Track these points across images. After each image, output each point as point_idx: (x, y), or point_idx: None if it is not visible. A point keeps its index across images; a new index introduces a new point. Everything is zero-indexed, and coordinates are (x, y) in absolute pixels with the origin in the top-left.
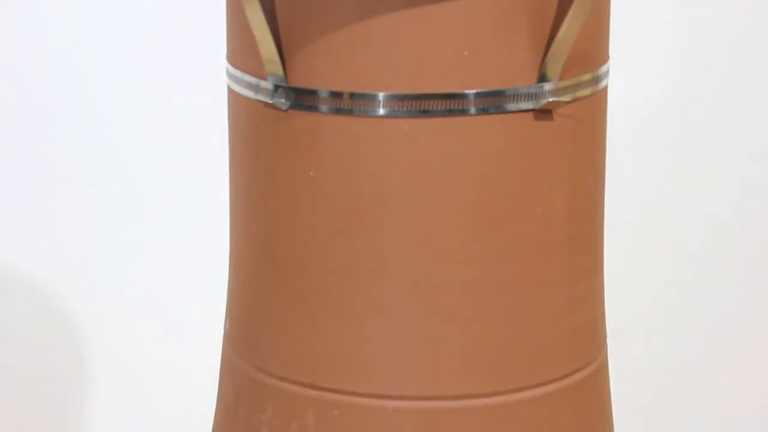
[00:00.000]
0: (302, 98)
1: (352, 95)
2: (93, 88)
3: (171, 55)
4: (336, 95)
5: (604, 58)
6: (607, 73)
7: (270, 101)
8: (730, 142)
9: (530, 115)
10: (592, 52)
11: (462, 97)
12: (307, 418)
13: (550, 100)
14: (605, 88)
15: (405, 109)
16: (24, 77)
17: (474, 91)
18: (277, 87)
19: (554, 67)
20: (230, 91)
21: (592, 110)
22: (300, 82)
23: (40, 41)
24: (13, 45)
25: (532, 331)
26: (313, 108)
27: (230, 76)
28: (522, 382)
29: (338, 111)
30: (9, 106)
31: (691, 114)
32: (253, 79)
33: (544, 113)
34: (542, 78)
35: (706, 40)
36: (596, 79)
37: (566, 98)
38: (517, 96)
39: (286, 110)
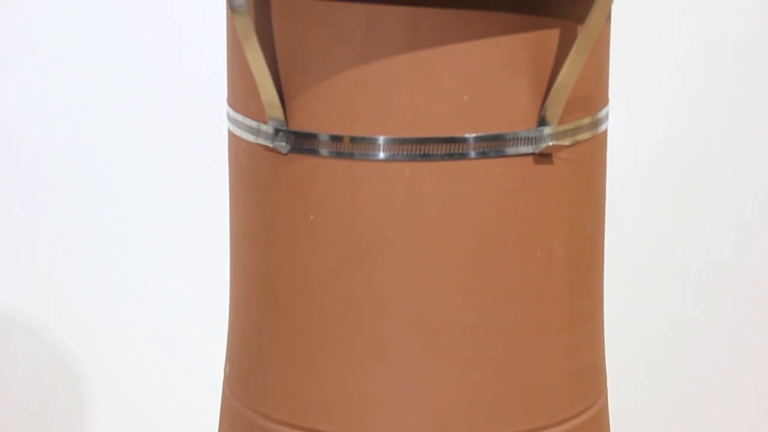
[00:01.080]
0: (302, 142)
1: (352, 139)
2: (90, 139)
3: (172, 97)
4: (336, 139)
5: (604, 102)
6: (606, 117)
7: (271, 145)
8: (731, 185)
9: (530, 158)
10: (592, 96)
11: (462, 140)
12: None
13: (550, 144)
14: (605, 132)
15: (405, 152)
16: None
17: (474, 135)
18: (277, 131)
19: (554, 111)
20: (231, 134)
21: (592, 154)
22: (300, 125)
23: (37, 98)
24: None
25: (531, 375)
26: (314, 151)
27: (231, 119)
28: (521, 426)
29: (338, 155)
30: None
31: (692, 156)
32: (253, 123)
33: (543, 157)
34: (542, 122)
35: (706, 83)
36: (596, 123)
37: (566, 142)
38: (516, 140)
39: (286, 154)
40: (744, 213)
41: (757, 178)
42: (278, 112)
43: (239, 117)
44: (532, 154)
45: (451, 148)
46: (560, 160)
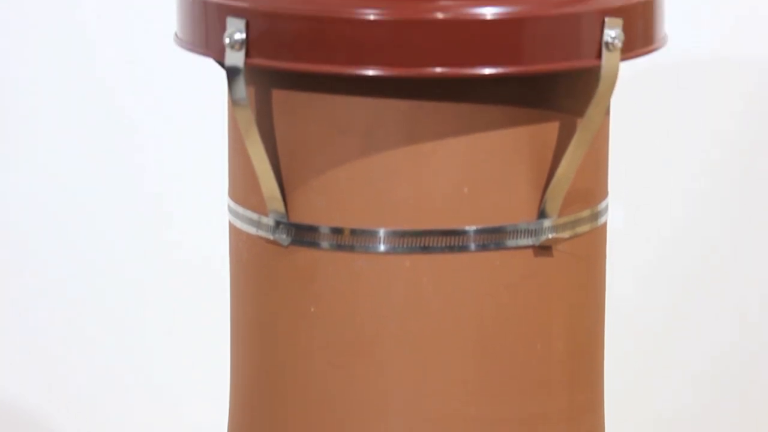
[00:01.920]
0: (303, 234)
1: (352, 231)
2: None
3: (172, 189)
4: (337, 231)
5: (603, 194)
6: (606, 209)
7: (271, 237)
8: (732, 277)
9: (530, 251)
10: (591, 188)
11: (462, 233)
12: None
13: (550, 236)
14: (604, 224)
15: (405, 245)
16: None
17: (474, 227)
18: (278, 223)
19: (553, 204)
20: (231, 226)
21: (592, 246)
22: (301, 218)
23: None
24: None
25: None
26: (314, 244)
27: (231, 211)
28: None
29: (339, 247)
30: None
31: (693, 248)
32: (254, 215)
33: (543, 249)
34: (542, 214)
35: (706, 175)
36: (595, 216)
37: (565, 235)
38: (516, 232)
39: (287, 246)
40: (745, 306)
41: (759, 268)
42: (279, 205)
43: (240, 209)
44: (532, 246)
45: (451, 240)
46: (560, 253)
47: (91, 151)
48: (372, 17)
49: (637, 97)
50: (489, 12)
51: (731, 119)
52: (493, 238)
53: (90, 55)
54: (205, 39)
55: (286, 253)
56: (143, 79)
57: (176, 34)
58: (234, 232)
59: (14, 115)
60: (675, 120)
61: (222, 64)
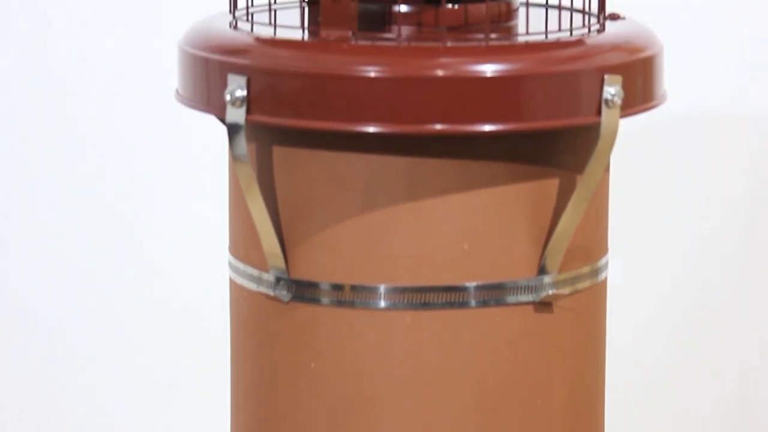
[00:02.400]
0: (304, 291)
1: (353, 288)
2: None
3: (173, 246)
4: (337, 288)
5: (603, 250)
6: (606, 265)
7: (272, 293)
8: (731, 330)
9: (530, 307)
10: (591, 245)
11: (462, 289)
12: None
13: (550, 292)
14: (605, 280)
15: (406, 301)
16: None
17: (474, 283)
18: (278, 279)
19: (553, 260)
20: (232, 282)
21: (592, 302)
22: (301, 274)
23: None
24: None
25: None
26: (315, 300)
27: (232, 267)
28: None
29: (339, 303)
30: None
31: (694, 302)
32: (255, 272)
33: (543, 306)
34: (542, 270)
35: (706, 232)
36: (595, 272)
37: (565, 291)
38: (516, 288)
39: (287, 302)
40: (743, 360)
41: (757, 325)
42: (279, 261)
43: (240, 265)
44: (533, 302)
45: (451, 296)
46: (560, 309)
47: (91, 208)
48: (373, 74)
49: (637, 153)
50: (489, 69)
51: (732, 176)
52: (494, 294)
53: (89, 111)
54: (206, 96)
55: (286, 309)
56: (144, 135)
57: (177, 91)
58: (234, 288)
59: (12, 179)
60: (675, 175)
61: (223, 120)
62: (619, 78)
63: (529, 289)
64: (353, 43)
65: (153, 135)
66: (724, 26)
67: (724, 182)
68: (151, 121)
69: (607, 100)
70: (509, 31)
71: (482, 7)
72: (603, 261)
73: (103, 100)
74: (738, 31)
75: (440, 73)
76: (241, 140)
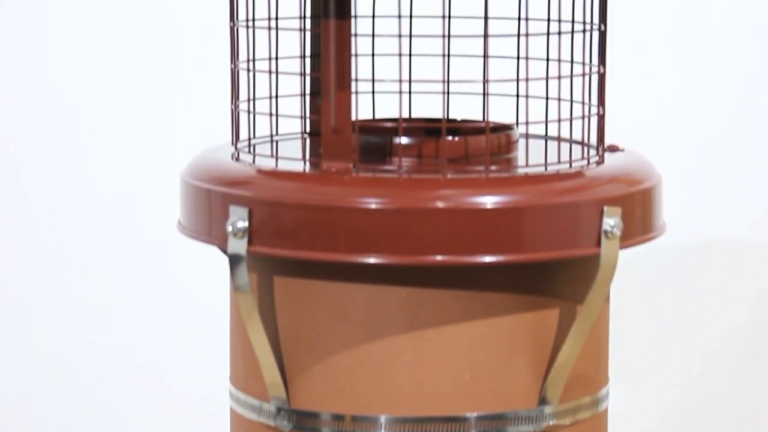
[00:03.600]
0: (304, 421)
1: (354, 418)
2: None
3: (173, 377)
4: (338, 418)
5: (604, 381)
6: (607, 395)
7: (272, 424)
8: None
9: None
10: (592, 374)
11: (463, 420)
12: None
13: (551, 423)
14: (605, 410)
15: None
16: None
17: (475, 414)
18: (279, 409)
19: (554, 391)
20: (233, 412)
21: None
22: (302, 404)
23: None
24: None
25: None
26: (315, 430)
27: (233, 397)
28: None
29: None
30: None
31: (696, 428)
32: (255, 402)
33: None
34: (542, 401)
35: (707, 359)
36: (596, 402)
37: (566, 422)
38: (517, 419)
39: None
40: None
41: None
42: (280, 391)
43: (241, 395)
44: None
45: (452, 427)
46: None
47: (90, 337)
48: (374, 206)
49: (637, 280)
50: (489, 201)
51: (733, 304)
52: (494, 424)
53: (93, 239)
54: (208, 227)
55: None
56: (145, 264)
57: (179, 222)
58: (235, 418)
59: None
60: (675, 303)
61: (225, 251)
62: (618, 210)
63: (529, 419)
64: (354, 174)
65: (155, 264)
66: (725, 159)
67: (726, 310)
68: (153, 249)
69: (606, 232)
70: (509, 163)
71: (482, 139)
72: (604, 391)
73: (107, 228)
74: (739, 163)
75: (441, 204)
76: (243, 271)
